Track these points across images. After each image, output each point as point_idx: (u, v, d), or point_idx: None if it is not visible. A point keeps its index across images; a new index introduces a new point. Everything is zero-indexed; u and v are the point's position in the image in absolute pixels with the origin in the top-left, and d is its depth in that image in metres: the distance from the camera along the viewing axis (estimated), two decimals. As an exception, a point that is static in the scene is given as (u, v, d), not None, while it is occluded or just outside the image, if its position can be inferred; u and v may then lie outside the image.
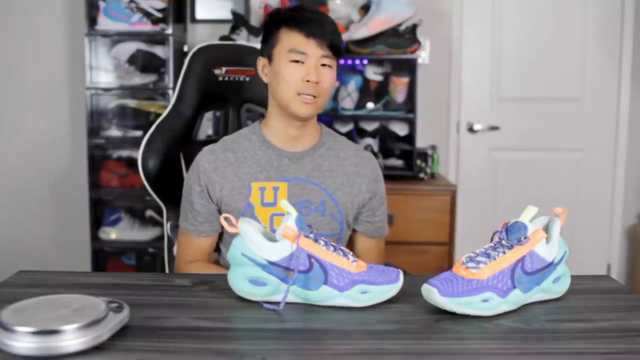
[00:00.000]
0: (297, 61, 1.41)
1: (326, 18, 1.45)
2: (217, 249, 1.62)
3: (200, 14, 3.20)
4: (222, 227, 1.52)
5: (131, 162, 3.05)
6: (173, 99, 1.76)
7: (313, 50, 1.41)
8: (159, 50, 2.99)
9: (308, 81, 1.40)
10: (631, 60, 3.24)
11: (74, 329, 0.86)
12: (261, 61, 1.49)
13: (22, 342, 0.85)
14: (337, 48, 1.44)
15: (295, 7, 1.46)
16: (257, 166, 1.48)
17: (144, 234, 3.02)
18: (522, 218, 1.09)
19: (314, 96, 1.42)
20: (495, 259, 1.05)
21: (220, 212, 1.50)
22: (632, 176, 3.33)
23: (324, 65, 1.42)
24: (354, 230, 1.57)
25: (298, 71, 1.41)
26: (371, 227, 1.57)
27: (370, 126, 2.94)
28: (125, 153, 3.09)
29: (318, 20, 1.42)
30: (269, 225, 1.44)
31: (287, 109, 1.44)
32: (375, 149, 2.96)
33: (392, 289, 1.09)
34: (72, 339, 0.85)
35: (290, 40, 1.42)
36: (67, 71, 3.21)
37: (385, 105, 2.95)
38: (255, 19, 3.08)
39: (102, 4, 2.93)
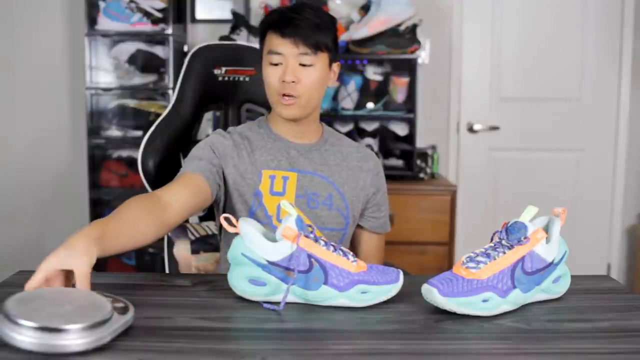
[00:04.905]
0: (276, 63, 1.41)
1: (305, 15, 1.41)
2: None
3: (200, 14, 3.20)
4: (222, 226, 1.53)
5: (131, 162, 3.05)
6: (173, 99, 1.76)
7: (288, 50, 1.40)
8: (159, 50, 2.99)
9: (285, 82, 1.40)
10: (631, 60, 3.24)
11: (77, 329, 0.85)
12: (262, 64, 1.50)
13: (25, 336, 0.84)
14: (318, 44, 1.40)
15: (283, 8, 1.45)
16: (269, 154, 1.48)
17: (144, 234, 3.02)
18: (522, 218, 1.09)
19: (294, 96, 1.41)
20: (495, 259, 1.05)
21: (224, 186, 1.45)
22: (632, 176, 3.33)
23: (304, 64, 1.40)
24: (358, 227, 1.57)
25: (276, 73, 1.41)
26: (377, 223, 1.57)
27: (370, 126, 2.94)
28: (125, 153, 3.09)
29: (294, 19, 1.40)
30: (275, 215, 1.43)
31: (274, 111, 1.47)
32: (375, 149, 2.96)
33: (392, 289, 1.09)
34: (75, 339, 0.84)
35: (269, 42, 1.42)
36: (67, 71, 3.21)
37: (385, 105, 2.95)
38: (255, 19, 3.07)
39: (102, 4, 2.93)
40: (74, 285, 0.99)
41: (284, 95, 1.41)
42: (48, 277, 0.98)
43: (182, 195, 1.30)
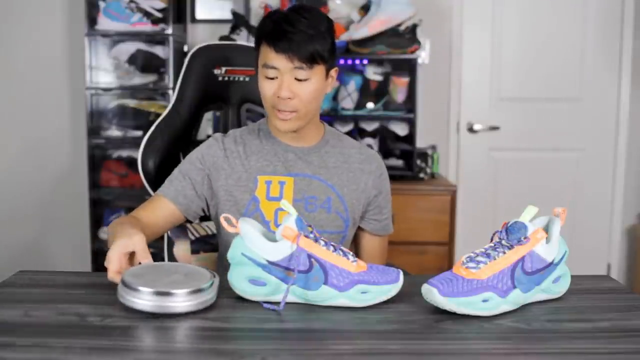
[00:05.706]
0: (271, 77, 1.38)
1: (299, 26, 1.36)
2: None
3: (200, 14, 3.20)
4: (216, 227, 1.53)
5: (131, 162, 3.05)
6: (173, 99, 1.76)
7: (283, 65, 1.36)
8: (159, 50, 2.99)
9: (280, 97, 1.37)
10: (631, 60, 3.24)
11: (185, 293, 1.00)
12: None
13: (144, 299, 0.99)
14: (314, 56, 1.36)
15: (278, 16, 1.40)
16: (265, 160, 1.47)
17: (144, 234, 3.02)
18: (522, 218, 1.09)
19: (290, 111, 1.39)
20: (495, 259, 1.05)
21: (204, 211, 1.49)
22: (632, 176, 3.33)
23: (299, 79, 1.37)
24: (359, 229, 1.57)
25: (272, 87, 1.38)
26: (378, 225, 1.56)
27: (370, 126, 2.94)
28: (125, 153, 3.09)
29: (287, 32, 1.35)
30: (273, 220, 1.43)
31: (271, 122, 1.45)
32: (375, 149, 2.96)
33: (392, 289, 1.09)
34: (183, 301, 1.00)
35: (264, 54, 1.39)
36: (67, 71, 3.21)
37: (385, 105, 2.95)
38: (255, 19, 3.07)
39: (102, 4, 2.93)
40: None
41: (280, 110, 1.39)
42: (121, 264, 1.13)
43: (154, 222, 1.42)
